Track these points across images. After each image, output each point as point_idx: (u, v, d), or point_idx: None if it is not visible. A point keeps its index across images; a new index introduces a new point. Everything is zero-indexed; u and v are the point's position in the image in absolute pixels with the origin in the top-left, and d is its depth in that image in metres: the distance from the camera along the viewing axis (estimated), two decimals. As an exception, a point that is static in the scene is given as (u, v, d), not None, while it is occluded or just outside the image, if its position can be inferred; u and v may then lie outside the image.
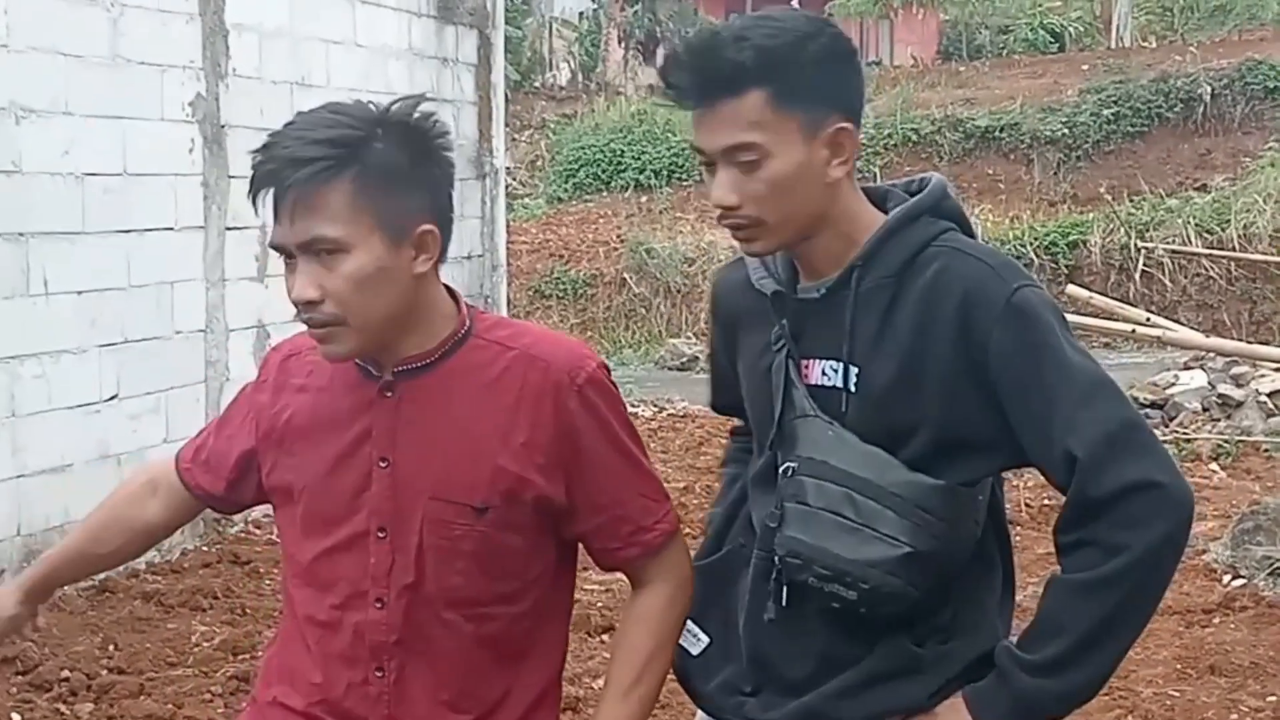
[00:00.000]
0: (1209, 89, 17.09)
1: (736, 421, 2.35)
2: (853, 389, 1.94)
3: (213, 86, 6.41)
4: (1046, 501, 6.76)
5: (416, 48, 8.07)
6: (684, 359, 12.85)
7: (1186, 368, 9.80)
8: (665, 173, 17.99)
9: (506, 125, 9.75)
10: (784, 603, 1.98)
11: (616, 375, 2.03)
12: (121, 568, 5.87)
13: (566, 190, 18.26)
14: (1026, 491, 6.92)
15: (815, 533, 1.91)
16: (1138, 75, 17.84)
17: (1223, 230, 14.10)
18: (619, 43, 26.72)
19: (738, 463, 2.28)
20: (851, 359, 1.94)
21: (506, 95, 9.97)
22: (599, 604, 5.43)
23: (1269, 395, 8.81)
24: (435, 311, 1.92)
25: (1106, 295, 11.85)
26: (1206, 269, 14.04)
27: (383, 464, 1.90)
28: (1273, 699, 4.65)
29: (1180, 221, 14.29)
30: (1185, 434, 8.45)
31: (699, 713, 2.18)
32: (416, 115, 1.85)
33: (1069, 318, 2.05)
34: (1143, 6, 25.13)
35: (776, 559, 1.96)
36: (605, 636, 5.11)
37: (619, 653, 2.02)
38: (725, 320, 2.17)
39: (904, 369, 1.91)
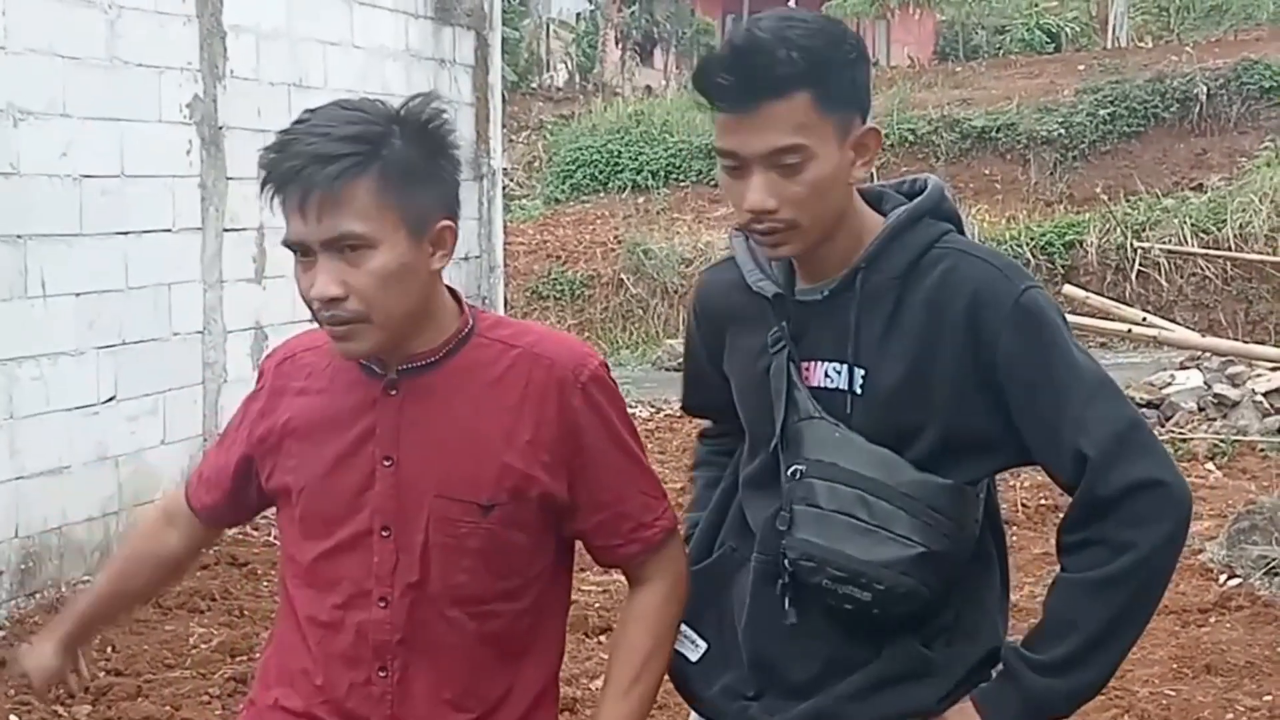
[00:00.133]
0: (1205, 89, 17.12)
1: (705, 423, 2.35)
2: (858, 390, 1.94)
3: (210, 88, 6.41)
4: (1043, 501, 6.77)
5: (414, 49, 8.08)
6: (681, 359, 12.83)
7: (1183, 367, 9.81)
8: (662, 174, 18.00)
9: (504, 126, 9.75)
10: (793, 605, 1.98)
11: (614, 375, 2.04)
12: (119, 569, 5.87)
13: (564, 191, 18.27)
14: (1023, 491, 6.92)
15: (829, 535, 1.91)
16: (1134, 75, 17.87)
17: (1219, 230, 14.11)
18: (616, 44, 26.75)
19: (711, 465, 2.28)
20: (857, 360, 1.95)
21: (504, 96, 9.98)
22: (596, 605, 5.44)
23: (1265, 395, 8.82)
24: (441, 310, 1.93)
25: (1103, 295, 11.87)
26: (1202, 269, 14.05)
27: (387, 463, 1.90)
28: (1269, 698, 4.66)
29: (1176, 221, 14.30)
30: (1181, 434, 8.46)
31: (692, 714, 2.18)
32: (431, 113, 1.86)
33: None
34: (1139, 6, 25.15)
35: (787, 562, 1.95)
36: (603, 637, 5.11)
37: (618, 652, 2.03)
38: (712, 321, 2.15)
39: (912, 369, 1.92)
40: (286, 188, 1.80)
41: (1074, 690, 1.91)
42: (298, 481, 1.96)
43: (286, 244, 1.84)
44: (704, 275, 2.22)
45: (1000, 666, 1.98)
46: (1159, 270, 14.14)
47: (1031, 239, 14.55)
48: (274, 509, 2.07)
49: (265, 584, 5.74)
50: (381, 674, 1.92)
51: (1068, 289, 10.98)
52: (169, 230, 6.19)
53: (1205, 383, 9.18)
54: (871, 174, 2.01)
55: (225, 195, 6.49)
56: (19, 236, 5.40)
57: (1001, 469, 2.04)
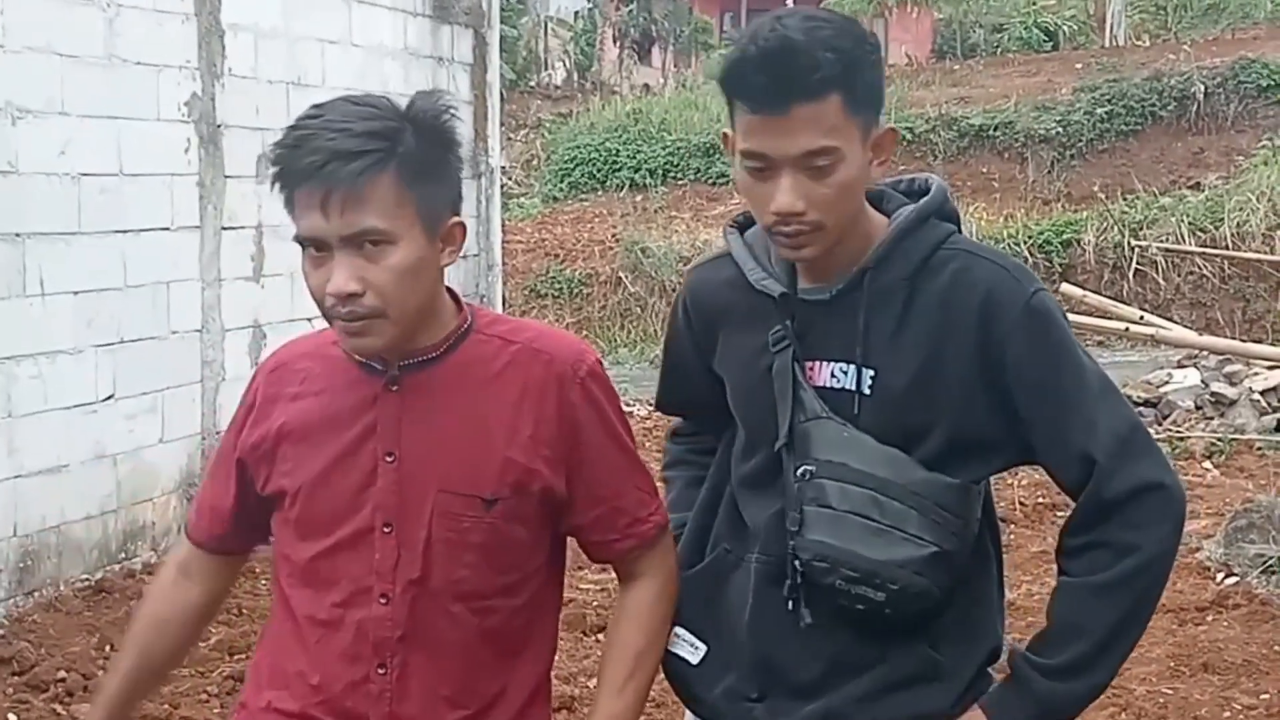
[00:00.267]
0: (1202, 87, 17.14)
1: (676, 422, 2.34)
2: (866, 391, 1.94)
3: (208, 86, 6.41)
4: (1040, 500, 6.78)
5: (412, 47, 8.08)
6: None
7: (1180, 366, 9.82)
8: (660, 172, 18.01)
9: (502, 125, 9.75)
10: (796, 605, 1.97)
11: (612, 374, 2.05)
12: (118, 567, 5.88)
13: (562, 189, 18.27)
14: (1020, 490, 6.93)
15: (843, 536, 1.91)
16: (1131, 74, 17.89)
17: (1216, 229, 14.12)
18: (614, 42, 26.76)
19: (689, 464, 2.28)
20: (866, 361, 1.94)
21: (502, 95, 9.98)
22: (594, 603, 5.45)
23: (1262, 393, 8.83)
24: (443, 307, 1.94)
25: (1100, 294, 11.89)
26: (1200, 267, 14.06)
27: (389, 459, 1.91)
28: (1265, 696, 4.67)
29: (1174, 220, 14.31)
30: (1179, 432, 8.47)
31: (688, 714, 2.17)
32: (440, 110, 1.87)
33: (1064, 317, 2.08)
34: (1136, 5, 25.16)
35: (798, 563, 1.95)
36: (601, 635, 5.12)
37: (611, 649, 2.04)
38: (704, 318, 2.12)
39: (923, 370, 1.92)
40: (305, 183, 1.79)
41: (1084, 692, 1.92)
42: (294, 483, 1.96)
43: (300, 239, 1.83)
44: (695, 272, 2.19)
45: (999, 669, 1.99)
46: (1156, 269, 14.15)
47: (1029, 237, 14.56)
48: None
49: (263, 583, 5.74)
50: (381, 671, 1.92)
51: (1065, 287, 10.99)
52: (167, 229, 6.19)
53: (1203, 381, 9.19)
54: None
55: (223, 193, 6.49)
56: (17, 235, 5.40)
57: (1003, 468, 2.05)
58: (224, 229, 6.52)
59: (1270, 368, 9.12)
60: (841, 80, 1.84)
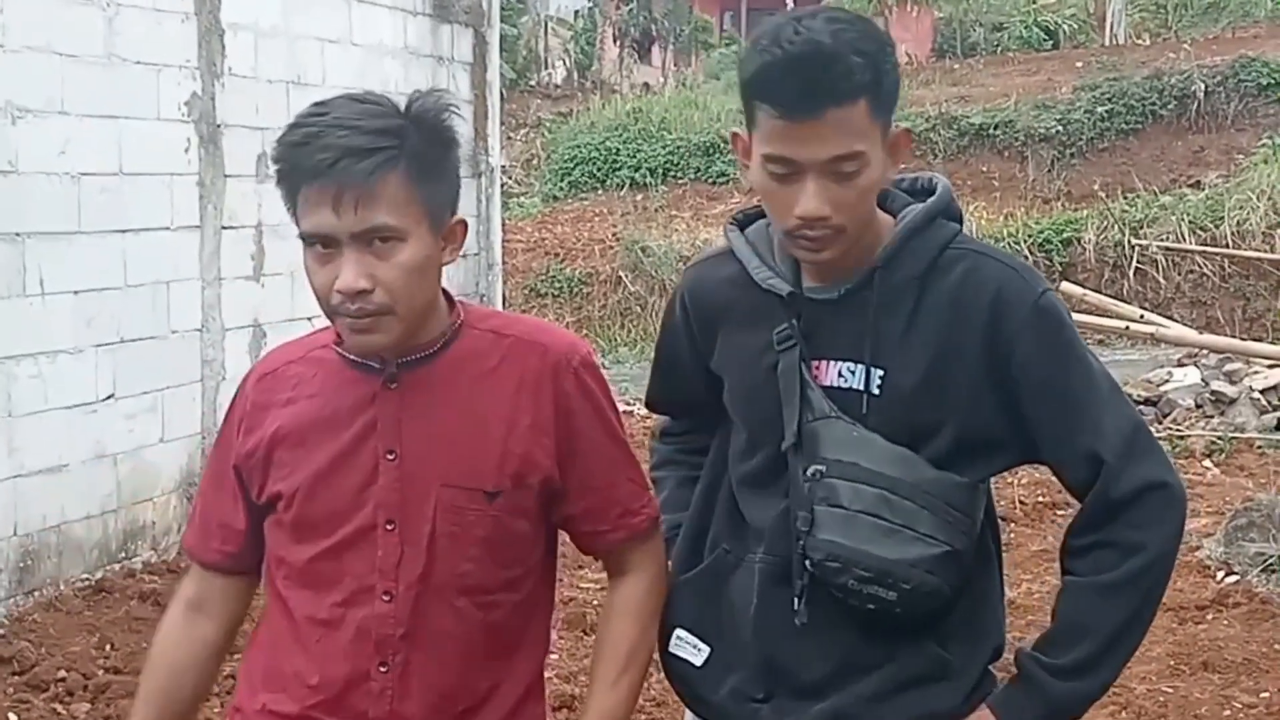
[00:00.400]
0: (1202, 86, 17.13)
1: (664, 421, 2.33)
2: (875, 390, 1.94)
3: (208, 85, 6.41)
4: (1041, 498, 6.78)
5: (412, 46, 8.07)
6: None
7: (1180, 364, 9.82)
8: (660, 171, 18.01)
9: (502, 124, 9.75)
10: (808, 605, 1.97)
11: (611, 373, 2.05)
12: (118, 567, 5.88)
13: (562, 189, 18.27)
14: (1020, 489, 6.93)
15: (855, 535, 1.91)
16: (1132, 72, 17.89)
17: (1216, 227, 14.13)
18: (614, 41, 26.76)
19: (679, 464, 2.27)
20: (875, 360, 1.94)
21: (502, 94, 9.98)
22: (594, 602, 5.43)
23: (1262, 392, 8.83)
24: (439, 303, 1.95)
25: (1100, 292, 11.89)
26: (1200, 266, 14.07)
27: (390, 456, 1.91)
28: (1265, 695, 4.67)
29: (1174, 218, 14.32)
30: (1179, 431, 8.47)
31: (688, 714, 2.17)
32: (442, 108, 1.88)
33: (1064, 315, 2.09)
34: (1137, 4, 25.14)
35: (808, 563, 1.94)
36: (601, 634, 5.11)
37: (604, 645, 2.04)
38: (703, 316, 2.11)
39: (932, 369, 1.93)
40: (315, 180, 1.79)
41: (1092, 691, 1.94)
42: (290, 486, 1.95)
43: (306, 236, 1.83)
44: (694, 270, 2.18)
45: (1001, 668, 1.99)
46: (1156, 267, 14.15)
47: (1029, 236, 14.56)
48: None
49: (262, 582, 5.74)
50: (382, 669, 1.92)
51: (1066, 286, 10.98)
52: (167, 228, 6.19)
53: (1203, 380, 9.19)
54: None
55: (223, 193, 6.49)
56: (17, 234, 5.40)
57: (1007, 467, 2.06)
58: (224, 228, 6.52)
59: (1270, 366, 9.12)
60: (870, 85, 1.84)
